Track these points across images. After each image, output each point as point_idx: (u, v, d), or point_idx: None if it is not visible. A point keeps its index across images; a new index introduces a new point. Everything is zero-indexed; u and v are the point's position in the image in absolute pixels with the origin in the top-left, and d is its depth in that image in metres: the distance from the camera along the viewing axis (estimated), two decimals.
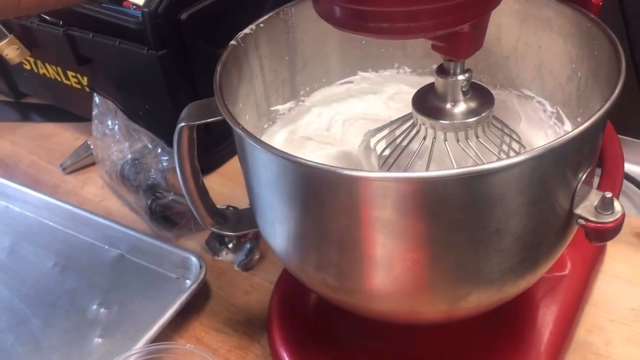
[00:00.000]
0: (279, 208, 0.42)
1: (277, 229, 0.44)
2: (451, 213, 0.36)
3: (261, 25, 0.51)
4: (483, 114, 0.44)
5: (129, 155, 0.76)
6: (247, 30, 0.50)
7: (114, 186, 0.80)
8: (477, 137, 0.44)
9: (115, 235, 0.72)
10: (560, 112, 0.52)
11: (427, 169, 0.45)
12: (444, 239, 0.38)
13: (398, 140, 0.49)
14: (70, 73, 0.85)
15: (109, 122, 0.78)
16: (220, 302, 0.66)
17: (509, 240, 0.38)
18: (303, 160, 0.35)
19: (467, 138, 0.44)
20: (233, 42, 0.49)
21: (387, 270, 0.39)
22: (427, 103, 0.45)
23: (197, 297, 0.65)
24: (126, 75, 0.77)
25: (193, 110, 0.47)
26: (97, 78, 0.82)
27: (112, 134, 0.78)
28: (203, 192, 0.51)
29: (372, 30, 0.37)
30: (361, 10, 0.36)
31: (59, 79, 0.88)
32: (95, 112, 0.80)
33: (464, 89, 0.44)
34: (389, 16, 0.36)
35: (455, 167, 0.44)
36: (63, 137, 0.93)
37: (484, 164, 0.34)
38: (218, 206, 0.71)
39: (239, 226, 0.53)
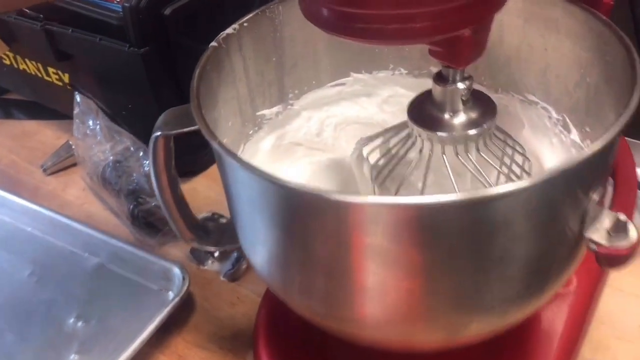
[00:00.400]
0: (261, 229, 0.38)
1: (259, 250, 0.40)
2: (451, 240, 0.33)
3: (245, 24, 0.47)
4: (484, 126, 0.40)
5: (111, 158, 0.72)
6: (229, 30, 0.46)
7: (95, 189, 0.76)
8: (478, 150, 0.41)
9: (95, 243, 0.68)
10: (567, 119, 0.49)
11: (424, 182, 0.42)
12: (442, 267, 0.34)
13: (393, 150, 0.45)
14: (50, 69, 0.81)
15: (90, 122, 0.74)
16: (204, 315, 0.62)
17: (514, 267, 0.35)
18: (287, 183, 0.32)
19: (466, 151, 0.41)
20: (214, 43, 0.45)
21: (379, 298, 0.36)
22: (424, 112, 0.42)
23: (180, 310, 0.61)
24: (108, 73, 0.73)
25: (170, 118, 0.43)
26: (79, 75, 0.78)
27: (94, 134, 0.74)
28: (182, 205, 0.48)
29: (363, 34, 0.34)
30: (350, 13, 0.32)
31: (39, 75, 0.84)
32: (76, 111, 0.77)
33: (464, 98, 0.40)
34: (380, 19, 0.32)
35: (454, 182, 0.40)
36: (45, 135, 0.89)
37: (488, 189, 0.30)
38: (202, 214, 0.68)
39: (221, 240, 0.50)
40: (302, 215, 0.34)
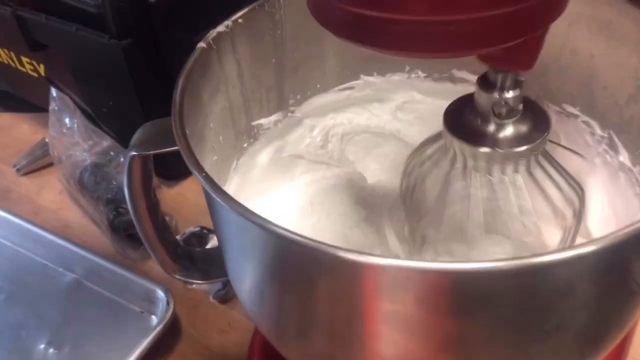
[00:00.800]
0: (252, 276, 0.31)
1: (250, 297, 0.33)
2: (496, 310, 0.26)
3: (240, 20, 0.40)
4: (538, 141, 0.33)
5: (89, 160, 0.65)
6: (220, 28, 0.39)
7: (72, 193, 0.69)
8: (529, 171, 0.34)
9: (71, 257, 0.61)
10: (615, 138, 0.42)
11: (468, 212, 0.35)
12: (482, 339, 0.27)
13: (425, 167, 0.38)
14: (24, 59, 0.73)
15: (67, 120, 0.67)
16: (191, 344, 0.56)
17: (570, 336, 0.28)
18: (288, 234, 0.25)
19: (515, 171, 0.34)
20: (202, 44, 0.38)
21: None
22: (463, 122, 0.35)
23: (165, 337, 0.55)
24: (86, 66, 0.66)
25: (147, 135, 0.36)
26: (55, 67, 0.70)
27: (71, 133, 0.67)
28: (163, 233, 0.41)
29: (408, 46, 0.27)
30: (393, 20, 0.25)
31: (12, 64, 0.76)
32: (52, 106, 0.69)
33: (514, 107, 0.33)
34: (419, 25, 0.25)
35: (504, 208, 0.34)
36: (20, 130, 0.82)
37: (550, 252, 0.23)
38: (189, 228, 0.61)
39: (210, 271, 0.43)
40: (307, 271, 0.27)
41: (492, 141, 0.34)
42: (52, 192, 0.72)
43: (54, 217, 0.69)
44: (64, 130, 0.67)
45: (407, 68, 0.49)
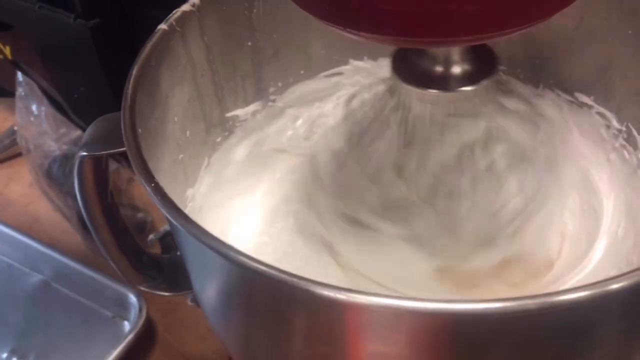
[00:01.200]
0: (222, 306, 0.27)
1: (221, 321, 0.29)
2: (505, 353, 0.21)
3: None
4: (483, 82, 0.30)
5: (57, 152, 0.60)
6: (185, 7, 0.34)
7: (42, 186, 0.64)
8: None
9: (38, 257, 0.57)
10: (634, 132, 0.37)
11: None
12: None
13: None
14: None
15: (34, 108, 0.62)
16: (167, 351, 0.52)
17: None
18: (252, 264, 0.20)
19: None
20: (163, 26, 0.33)
21: None
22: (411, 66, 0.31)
23: (138, 345, 0.50)
24: (53, 48, 0.60)
25: (100, 132, 0.31)
26: (21, 50, 0.65)
27: (38, 121, 0.62)
28: (125, 240, 0.36)
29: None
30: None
31: None
32: (19, 91, 0.64)
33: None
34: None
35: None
36: None
37: (570, 291, 0.18)
38: (163, 227, 0.56)
39: (179, 281, 0.38)
40: (277, 305, 0.23)
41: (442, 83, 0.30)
42: (20, 185, 0.67)
43: (23, 212, 0.64)
44: (32, 119, 0.62)
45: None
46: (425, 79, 0.30)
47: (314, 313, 0.22)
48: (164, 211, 0.23)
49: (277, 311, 0.23)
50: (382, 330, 0.21)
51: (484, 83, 0.30)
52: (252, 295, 0.23)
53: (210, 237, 0.21)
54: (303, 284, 0.20)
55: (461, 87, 0.30)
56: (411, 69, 0.31)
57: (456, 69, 0.30)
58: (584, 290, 0.19)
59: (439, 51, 0.30)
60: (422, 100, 0.31)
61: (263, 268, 0.20)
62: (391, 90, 0.34)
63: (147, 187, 0.24)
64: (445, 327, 0.20)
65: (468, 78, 0.30)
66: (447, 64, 0.30)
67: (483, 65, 0.31)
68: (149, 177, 0.24)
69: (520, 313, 0.19)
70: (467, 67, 0.30)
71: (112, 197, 0.34)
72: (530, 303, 0.19)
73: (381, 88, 0.36)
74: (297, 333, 0.23)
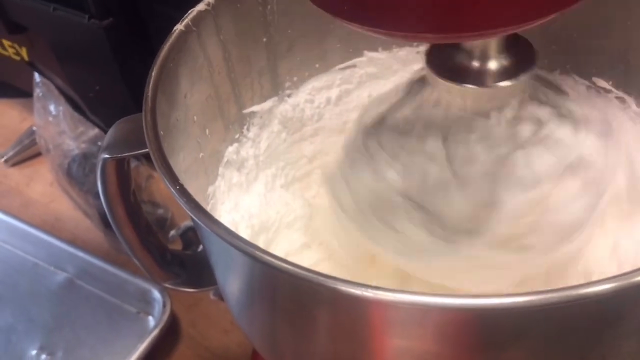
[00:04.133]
0: (246, 301, 0.27)
1: (245, 316, 0.29)
2: (532, 344, 0.21)
3: None
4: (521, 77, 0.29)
5: (76, 151, 0.60)
6: (201, 6, 0.34)
7: (62, 185, 0.65)
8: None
9: (62, 255, 0.58)
10: None
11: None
12: None
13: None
14: (5, 42, 0.68)
15: (52, 108, 0.62)
16: (191, 345, 0.52)
17: None
18: (284, 265, 0.20)
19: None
20: (179, 26, 0.33)
21: None
22: (449, 61, 0.30)
23: (162, 339, 0.51)
24: (68, 48, 0.61)
25: (122, 133, 0.32)
26: (37, 50, 0.66)
27: (57, 121, 0.62)
28: (149, 238, 0.36)
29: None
30: None
31: None
32: (36, 92, 0.65)
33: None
34: None
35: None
36: (8, 117, 0.77)
37: (598, 283, 0.18)
38: (184, 222, 0.57)
39: (203, 277, 0.39)
40: (302, 302, 0.23)
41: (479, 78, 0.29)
42: (42, 184, 0.68)
43: (45, 211, 0.65)
44: (50, 119, 0.63)
45: (415, 42, 0.44)
46: (462, 74, 0.29)
47: (339, 310, 0.22)
48: (189, 212, 0.23)
49: (301, 308, 0.23)
50: (408, 326, 0.21)
51: (522, 78, 0.29)
52: (276, 291, 0.24)
53: (235, 237, 0.22)
54: (329, 282, 0.20)
55: (499, 82, 0.29)
56: (446, 64, 0.30)
57: (493, 64, 0.29)
58: (610, 282, 0.19)
59: (475, 45, 0.29)
60: (461, 96, 0.30)
61: (288, 267, 0.20)
62: (426, 86, 0.33)
63: (172, 190, 0.24)
64: (471, 321, 0.20)
65: (506, 72, 0.29)
66: (484, 58, 0.29)
67: (521, 59, 0.30)
68: (174, 180, 0.24)
69: (547, 306, 0.19)
70: (504, 61, 0.29)
71: (135, 197, 0.35)
72: (554, 296, 0.19)
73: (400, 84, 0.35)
74: (322, 329, 0.24)
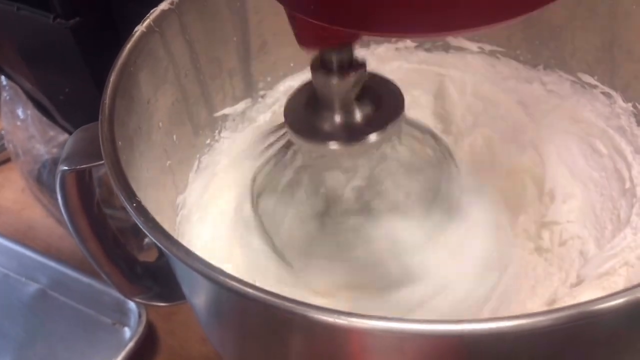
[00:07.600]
0: (215, 324, 0.25)
1: (214, 338, 0.28)
2: None
3: None
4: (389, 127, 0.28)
5: (47, 156, 0.58)
6: (164, 6, 0.32)
7: (34, 191, 0.63)
8: None
9: (34, 266, 0.55)
10: None
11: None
12: None
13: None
14: None
15: (20, 112, 0.60)
16: (170, 356, 0.51)
17: None
18: (254, 292, 0.19)
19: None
20: (141, 27, 0.31)
21: None
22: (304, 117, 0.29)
23: (140, 352, 0.49)
24: (35, 50, 0.58)
25: (81, 144, 0.30)
26: (3, 53, 0.63)
27: (25, 126, 0.60)
28: (116, 251, 0.35)
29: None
30: None
31: None
32: (3, 96, 0.62)
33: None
34: None
35: None
36: None
37: (593, 302, 0.17)
38: (147, 239, 0.55)
39: (174, 290, 0.37)
40: (272, 328, 0.21)
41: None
42: (12, 190, 0.66)
43: (16, 219, 0.63)
44: (18, 123, 0.61)
45: (394, 38, 0.42)
46: (325, 132, 0.28)
47: (312, 338, 0.20)
48: (148, 234, 0.21)
49: (272, 335, 0.21)
50: (387, 353, 0.20)
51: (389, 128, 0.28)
52: (244, 317, 0.22)
53: (196, 260, 0.20)
54: (299, 309, 0.18)
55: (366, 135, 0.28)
56: (308, 121, 0.29)
57: (357, 116, 0.28)
58: (603, 303, 0.17)
59: (334, 98, 0.28)
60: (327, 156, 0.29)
61: (255, 293, 0.19)
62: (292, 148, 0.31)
63: (129, 207, 0.22)
64: (454, 347, 0.19)
65: (373, 123, 0.28)
66: (347, 111, 0.28)
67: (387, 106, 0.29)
68: (130, 196, 0.22)
69: (535, 330, 0.17)
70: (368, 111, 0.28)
71: (100, 208, 0.33)
72: (543, 319, 0.17)
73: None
74: (295, 355, 0.22)
